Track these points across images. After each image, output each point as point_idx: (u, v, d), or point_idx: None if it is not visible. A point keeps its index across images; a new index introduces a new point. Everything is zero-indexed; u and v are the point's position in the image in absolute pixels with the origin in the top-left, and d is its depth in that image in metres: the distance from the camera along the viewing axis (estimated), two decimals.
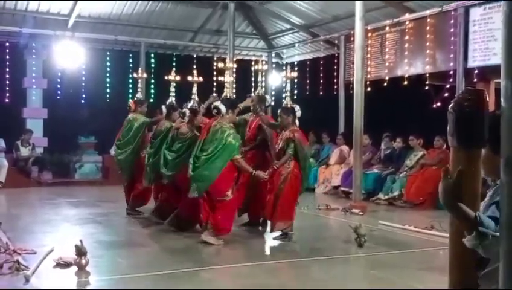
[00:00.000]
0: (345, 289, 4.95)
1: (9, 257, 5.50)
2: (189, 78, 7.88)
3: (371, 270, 5.81)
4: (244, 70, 14.15)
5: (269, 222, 7.13)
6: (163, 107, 8.31)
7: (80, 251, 5.25)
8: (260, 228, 7.62)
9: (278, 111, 7.10)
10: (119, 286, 4.97)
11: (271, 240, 6.99)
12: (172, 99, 8.40)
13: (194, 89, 7.66)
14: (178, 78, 8.50)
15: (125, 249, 6.49)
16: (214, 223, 6.47)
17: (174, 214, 7.37)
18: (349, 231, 6.70)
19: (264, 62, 15.28)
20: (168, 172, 7.41)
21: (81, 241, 5.31)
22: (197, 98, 7.67)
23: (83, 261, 5.24)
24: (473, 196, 1.95)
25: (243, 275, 5.59)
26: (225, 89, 7.24)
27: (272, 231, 6.94)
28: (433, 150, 10.58)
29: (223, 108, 6.58)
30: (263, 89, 7.90)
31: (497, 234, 1.84)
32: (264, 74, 8.03)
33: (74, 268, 5.26)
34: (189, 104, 7.50)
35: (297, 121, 7.01)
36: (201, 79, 7.90)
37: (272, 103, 14.59)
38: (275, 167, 6.76)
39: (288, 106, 7.04)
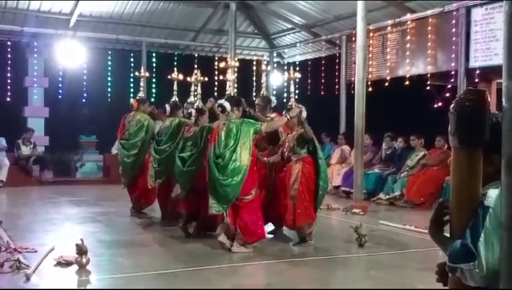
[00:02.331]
0: (346, 289, 4.95)
1: (10, 256, 5.51)
2: (193, 77, 7.86)
3: (371, 270, 5.81)
4: (246, 70, 14.16)
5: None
6: (167, 106, 8.30)
7: (81, 250, 5.25)
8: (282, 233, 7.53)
9: (283, 112, 7.00)
10: (119, 285, 4.97)
11: (272, 239, 6.99)
12: (175, 98, 8.40)
13: (199, 89, 7.64)
14: (181, 77, 8.49)
15: (126, 248, 6.49)
16: (243, 226, 6.12)
17: (198, 222, 7.08)
18: (350, 230, 6.70)
19: (266, 62, 15.36)
20: (188, 167, 6.97)
21: (81, 240, 5.32)
22: (192, 98, 7.64)
23: (84, 260, 5.25)
24: (474, 197, 1.95)
25: (242, 275, 5.59)
26: (228, 88, 7.20)
27: (300, 236, 6.68)
28: (434, 150, 10.58)
29: (227, 106, 6.46)
30: (264, 89, 7.87)
31: (462, 266, 1.86)
32: (266, 74, 8.01)
33: (75, 267, 5.26)
34: (195, 103, 7.47)
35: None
36: (206, 79, 7.88)
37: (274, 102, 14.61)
38: (265, 160, 6.73)
39: (293, 106, 6.96)
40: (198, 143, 7.05)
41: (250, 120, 6.49)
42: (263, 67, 7.82)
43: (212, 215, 6.40)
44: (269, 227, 7.32)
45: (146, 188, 8.32)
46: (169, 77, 8.60)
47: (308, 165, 6.65)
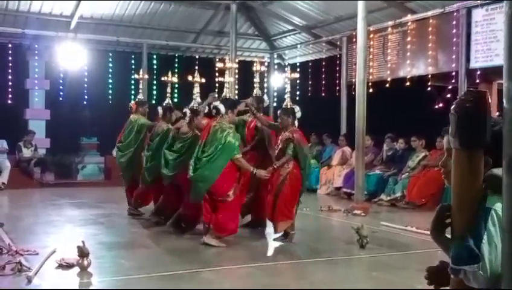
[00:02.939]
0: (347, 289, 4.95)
1: (11, 258, 5.51)
2: (190, 78, 7.88)
3: (372, 271, 5.81)
4: (247, 71, 14.12)
5: (270, 223, 7.14)
6: (159, 109, 8.32)
7: (82, 252, 5.25)
8: (260, 228, 7.60)
9: (278, 112, 7.11)
10: (121, 287, 4.98)
11: (273, 241, 6.99)
12: (168, 100, 8.41)
13: (196, 90, 7.66)
14: (175, 79, 8.52)
15: (128, 250, 6.50)
16: (215, 223, 6.45)
17: (176, 215, 7.37)
18: (351, 232, 6.70)
19: (265, 63, 15.38)
20: (169, 172, 7.40)
21: (83, 242, 5.32)
22: (199, 99, 7.69)
23: (85, 262, 5.24)
24: (475, 198, 1.95)
25: (244, 276, 5.59)
26: (225, 89, 7.24)
27: (275, 232, 6.93)
28: (435, 151, 10.56)
29: (222, 108, 6.57)
30: (265, 89, 7.90)
31: (466, 268, 1.86)
32: (265, 74, 8.03)
33: (76, 269, 5.26)
34: (191, 104, 7.50)
35: (296, 122, 7.00)
36: (203, 80, 7.89)
37: (274, 104, 14.64)
38: (274, 166, 6.75)
39: (288, 106, 7.03)
40: (184, 149, 7.28)
41: (237, 138, 6.60)
42: (258, 67, 7.80)
43: (193, 211, 6.88)
44: (269, 227, 7.34)
45: (143, 189, 8.44)
46: (163, 78, 8.62)
47: (295, 170, 6.78)
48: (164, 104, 8.34)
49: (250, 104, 7.54)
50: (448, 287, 2.05)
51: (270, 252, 6.56)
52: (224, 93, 7.19)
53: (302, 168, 6.85)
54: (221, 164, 6.43)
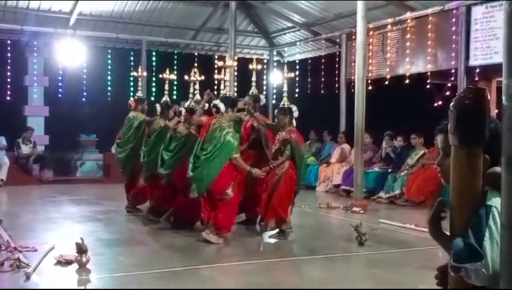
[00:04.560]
0: (346, 289, 4.95)
1: (10, 255, 5.51)
2: (187, 78, 7.88)
3: (371, 269, 5.81)
4: (245, 69, 14.14)
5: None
6: (158, 106, 8.35)
7: (81, 249, 5.25)
8: (257, 226, 7.59)
9: (275, 111, 7.12)
10: (119, 283, 4.97)
11: (269, 238, 6.98)
12: (166, 97, 8.43)
13: (194, 88, 7.66)
14: (173, 76, 8.52)
15: (126, 247, 6.50)
16: (215, 222, 6.48)
17: (169, 212, 7.39)
18: (350, 229, 6.70)
19: (265, 60, 15.37)
20: (165, 171, 7.42)
21: (81, 239, 5.32)
22: (198, 97, 7.67)
23: (84, 259, 5.25)
24: (474, 195, 1.95)
25: (242, 273, 5.59)
26: (225, 88, 7.22)
27: (265, 229, 6.83)
28: (434, 149, 10.55)
29: (222, 106, 6.59)
30: (264, 87, 7.88)
31: (468, 265, 1.85)
32: (265, 72, 8.03)
33: (75, 266, 5.26)
34: (187, 103, 7.52)
35: (294, 122, 6.99)
36: (202, 77, 7.88)
37: (273, 102, 14.63)
38: (271, 166, 6.76)
39: (286, 106, 7.02)
40: (178, 147, 7.33)
41: (236, 138, 6.62)
42: (254, 65, 7.78)
43: (187, 210, 6.97)
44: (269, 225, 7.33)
45: (144, 187, 8.43)
46: (161, 76, 8.62)
47: (291, 170, 6.82)
48: (162, 102, 8.37)
49: (248, 102, 7.51)
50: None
51: (268, 249, 6.55)
52: (224, 91, 7.18)
53: (298, 169, 6.88)
54: (219, 163, 6.46)
